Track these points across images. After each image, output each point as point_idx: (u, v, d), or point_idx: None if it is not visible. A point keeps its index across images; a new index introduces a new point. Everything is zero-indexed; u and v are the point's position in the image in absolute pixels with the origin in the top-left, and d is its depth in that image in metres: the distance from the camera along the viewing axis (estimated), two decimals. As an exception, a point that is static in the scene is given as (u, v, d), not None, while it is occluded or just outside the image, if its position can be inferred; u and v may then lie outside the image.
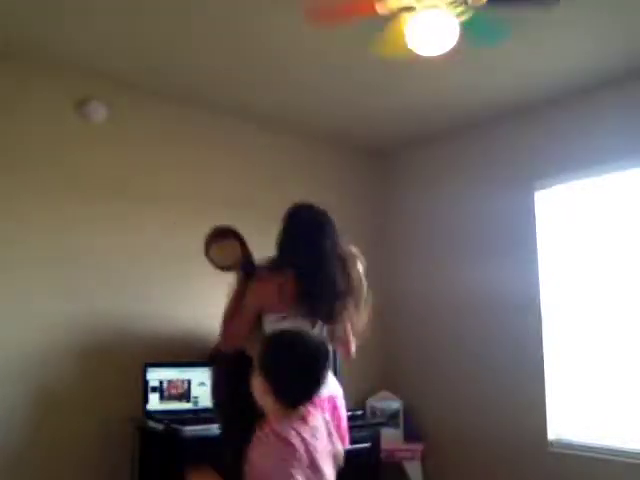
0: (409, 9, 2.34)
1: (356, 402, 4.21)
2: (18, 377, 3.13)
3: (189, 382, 3.42)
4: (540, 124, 3.92)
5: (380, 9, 2.34)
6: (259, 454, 1.64)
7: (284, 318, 2.35)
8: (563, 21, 2.87)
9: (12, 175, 3.20)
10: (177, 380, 3.40)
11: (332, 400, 2.41)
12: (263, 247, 4.08)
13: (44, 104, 3.34)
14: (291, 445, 1.62)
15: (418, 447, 4.19)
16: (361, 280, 2.51)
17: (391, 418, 4.27)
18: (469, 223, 4.24)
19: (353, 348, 2.55)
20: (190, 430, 3.04)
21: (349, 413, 3.76)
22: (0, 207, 3.16)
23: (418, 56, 2.56)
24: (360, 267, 2.54)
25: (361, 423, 3.78)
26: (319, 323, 2.40)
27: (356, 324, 2.49)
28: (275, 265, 2.51)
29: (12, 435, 3.09)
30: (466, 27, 2.37)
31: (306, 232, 2.59)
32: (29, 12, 2.84)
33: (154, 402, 3.31)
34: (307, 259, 2.43)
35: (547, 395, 3.74)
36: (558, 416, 3.74)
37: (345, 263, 2.52)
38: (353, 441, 3.57)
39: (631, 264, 3.51)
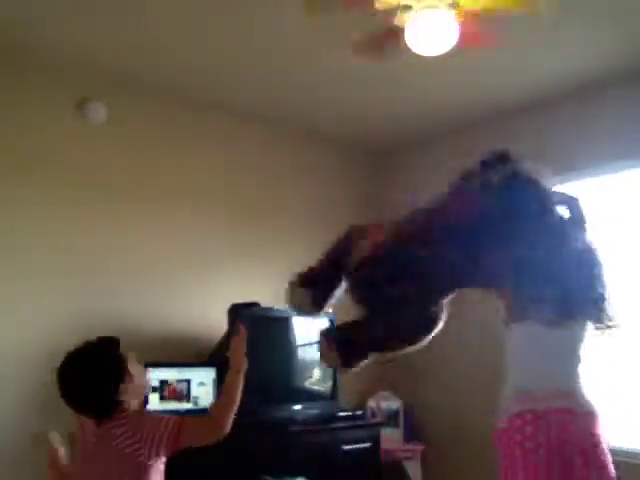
0: (407, 8, 2.34)
1: (356, 402, 4.21)
2: (18, 377, 3.13)
3: (189, 382, 3.41)
4: (540, 124, 3.92)
5: (378, 4, 2.33)
6: None
7: None
8: (563, 21, 2.87)
9: (12, 175, 3.20)
10: (177, 380, 3.40)
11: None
12: (262, 245, 4.11)
13: (44, 104, 3.34)
14: None
15: (418, 447, 4.19)
16: None
17: (391, 418, 4.27)
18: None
19: None
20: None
21: (349, 413, 3.80)
22: (0, 207, 3.16)
23: (418, 56, 2.56)
24: None
25: (361, 423, 3.78)
26: None
27: None
28: None
29: (13, 435, 3.09)
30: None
31: None
32: (29, 12, 2.84)
33: (154, 402, 3.30)
34: None
35: (547, 395, 3.74)
36: (558, 416, 3.73)
37: None
38: (353, 441, 3.61)
39: (631, 264, 3.51)
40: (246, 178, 4.10)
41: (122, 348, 3.40)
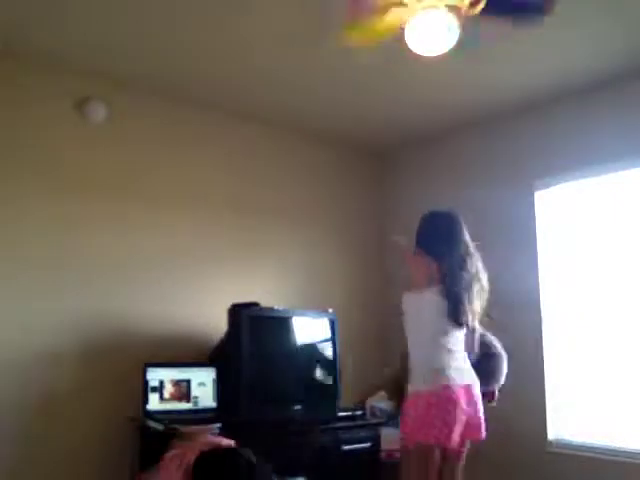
0: (403, 5, 2.33)
1: (356, 402, 4.20)
2: (19, 378, 3.13)
3: (189, 382, 3.41)
4: (540, 124, 3.92)
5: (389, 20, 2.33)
6: None
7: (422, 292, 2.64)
8: (563, 21, 2.86)
9: (12, 175, 3.20)
10: (177, 380, 3.40)
11: (469, 389, 2.60)
12: (262, 245, 4.11)
13: (44, 104, 3.34)
14: None
15: (418, 447, 4.18)
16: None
17: (391, 418, 4.26)
18: (469, 223, 4.23)
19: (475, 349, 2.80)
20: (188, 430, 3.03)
21: (349, 413, 3.79)
22: (0, 207, 3.16)
23: (418, 55, 2.56)
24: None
25: (361, 423, 3.78)
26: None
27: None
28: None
29: (13, 435, 3.09)
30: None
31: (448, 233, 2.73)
32: (29, 12, 2.84)
33: (154, 402, 3.30)
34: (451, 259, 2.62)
35: (547, 395, 3.74)
36: (558, 416, 3.73)
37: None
38: (353, 441, 3.60)
39: (631, 264, 3.51)
40: (246, 178, 4.10)
41: (121, 349, 3.43)
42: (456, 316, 2.57)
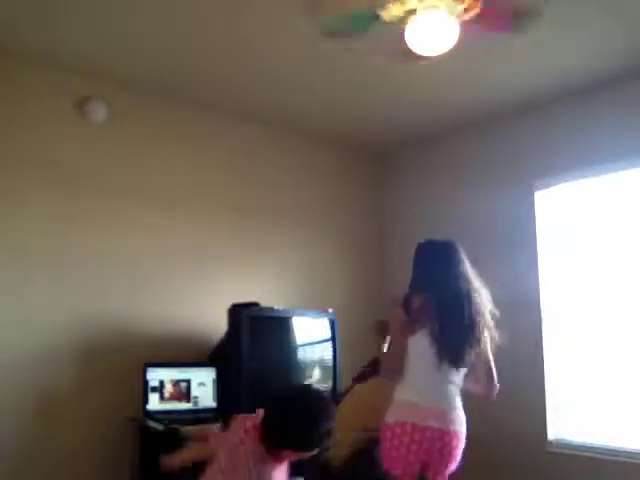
0: (411, 12, 2.34)
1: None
2: (18, 378, 3.13)
3: (189, 382, 3.41)
4: (540, 124, 3.92)
5: (385, 16, 2.33)
6: None
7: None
8: (563, 21, 2.87)
9: (11, 174, 3.20)
10: (177, 380, 3.40)
11: (438, 433, 2.59)
12: (262, 245, 4.11)
13: (44, 104, 3.34)
14: None
15: (418, 447, 4.18)
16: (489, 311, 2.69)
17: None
18: (469, 223, 4.24)
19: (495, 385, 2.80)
20: (190, 430, 3.03)
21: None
22: (0, 207, 3.16)
23: (417, 56, 2.56)
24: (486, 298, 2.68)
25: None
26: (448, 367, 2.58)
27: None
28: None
29: (13, 435, 3.09)
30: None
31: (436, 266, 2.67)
32: (29, 12, 2.84)
33: (154, 402, 3.30)
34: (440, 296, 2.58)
35: (547, 395, 3.74)
36: (558, 416, 3.73)
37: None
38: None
39: (631, 264, 3.51)
40: (246, 178, 4.10)
41: (121, 349, 3.43)
42: (452, 358, 2.54)
